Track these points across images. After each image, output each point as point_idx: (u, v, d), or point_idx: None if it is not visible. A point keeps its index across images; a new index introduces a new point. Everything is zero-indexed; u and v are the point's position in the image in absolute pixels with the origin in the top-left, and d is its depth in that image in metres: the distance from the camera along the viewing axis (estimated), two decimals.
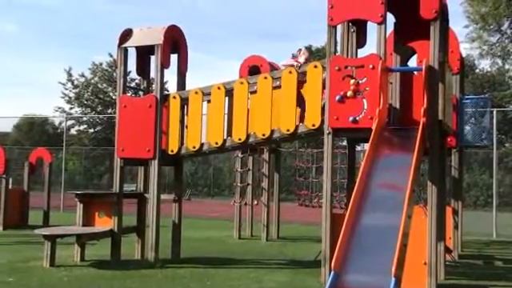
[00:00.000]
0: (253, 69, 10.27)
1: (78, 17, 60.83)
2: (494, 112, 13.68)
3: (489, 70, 31.91)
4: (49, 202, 12.15)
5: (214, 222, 14.79)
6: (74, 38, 58.50)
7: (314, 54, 38.22)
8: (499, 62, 16.88)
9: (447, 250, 7.32)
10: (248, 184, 11.41)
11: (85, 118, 36.15)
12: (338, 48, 6.40)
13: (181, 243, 7.59)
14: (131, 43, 7.52)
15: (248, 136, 6.95)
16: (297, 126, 6.61)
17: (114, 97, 32.22)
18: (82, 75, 36.28)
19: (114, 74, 32.23)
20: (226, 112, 7.21)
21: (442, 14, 5.93)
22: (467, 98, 9.70)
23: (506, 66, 19.12)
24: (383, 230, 4.53)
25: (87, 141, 35.66)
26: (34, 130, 38.61)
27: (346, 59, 6.11)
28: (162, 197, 7.42)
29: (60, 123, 37.88)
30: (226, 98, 7.17)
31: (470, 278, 6.85)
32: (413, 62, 7.38)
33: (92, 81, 36.68)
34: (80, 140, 35.93)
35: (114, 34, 7.69)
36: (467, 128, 9.33)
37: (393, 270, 3.95)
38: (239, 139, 6.99)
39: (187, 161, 28.85)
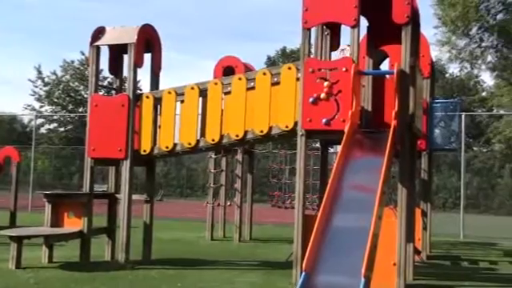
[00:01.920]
0: (227, 69, 10.27)
1: (49, 14, 59.83)
2: (463, 116, 13.98)
3: (458, 74, 32.65)
4: (16, 202, 11.86)
5: (187, 222, 14.72)
6: (45, 34, 57.56)
7: (289, 56, 38.50)
8: (468, 66, 17.28)
9: (416, 251, 7.44)
10: (221, 185, 11.39)
11: (55, 117, 35.57)
12: (313, 50, 6.45)
13: (152, 244, 7.52)
14: (104, 41, 7.42)
15: (221, 137, 6.94)
16: (270, 128, 6.62)
17: (85, 95, 31.78)
18: (54, 73, 35.69)
19: (86, 73, 31.78)
20: (200, 112, 7.18)
21: (414, 19, 6.03)
22: (437, 102, 9.89)
23: (475, 71, 19.61)
24: (354, 231, 4.58)
25: (57, 140, 35.07)
26: (2, 128, 37.78)
27: (319, 61, 6.16)
28: (134, 197, 7.34)
29: (29, 121, 37.24)
30: (200, 99, 7.14)
31: (438, 279, 6.98)
32: (385, 66, 7.49)
33: (63, 79, 36.10)
34: (50, 139, 35.32)
35: (87, 31, 7.59)
36: (437, 131, 9.49)
37: (362, 270, 3.99)
38: (212, 140, 6.97)
39: (160, 161, 28.69)
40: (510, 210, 27.19)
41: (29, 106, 35.06)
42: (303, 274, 4.24)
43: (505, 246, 11.38)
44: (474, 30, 15.71)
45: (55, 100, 35.82)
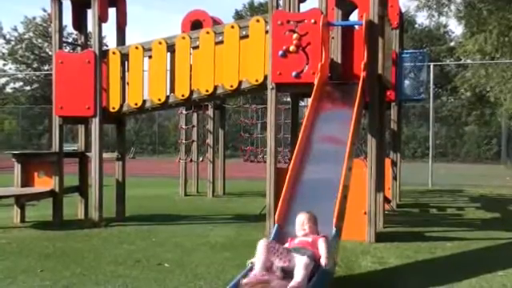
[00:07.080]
0: (195, 24, 10.07)
1: None
2: (431, 66, 14.14)
3: (427, 24, 32.73)
4: None
5: (160, 179, 14.74)
6: None
7: (257, 10, 37.91)
8: (435, 14, 17.31)
9: (386, 200, 7.64)
10: (193, 141, 11.38)
11: (20, 75, 34.58)
12: (281, 2, 6.35)
13: (126, 202, 7.52)
14: None
15: (191, 92, 6.86)
16: (240, 82, 6.57)
17: (50, 53, 30.88)
18: (15, 29, 34.47)
19: (50, 29, 30.76)
20: (169, 68, 7.06)
21: None
22: (406, 53, 9.93)
23: (443, 21, 19.74)
24: (325, 182, 4.65)
25: (24, 99, 34.23)
26: None
27: (288, 14, 6.08)
28: (105, 155, 7.27)
29: None
30: (168, 54, 7.01)
31: (407, 226, 7.20)
32: (354, 17, 7.44)
33: (26, 36, 34.93)
34: (16, 98, 34.44)
35: None
36: (406, 82, 9.58)
37: (334, 220, 4.08)
38: (182, 95, 6.89)
39: (131, 118, 28.36)
40: (476, 158, 28.01)
41: None
42: (276, 225, 4.31)
43: (471, 193, 11.77)
44: None
45: (19, 58, 34.73)
